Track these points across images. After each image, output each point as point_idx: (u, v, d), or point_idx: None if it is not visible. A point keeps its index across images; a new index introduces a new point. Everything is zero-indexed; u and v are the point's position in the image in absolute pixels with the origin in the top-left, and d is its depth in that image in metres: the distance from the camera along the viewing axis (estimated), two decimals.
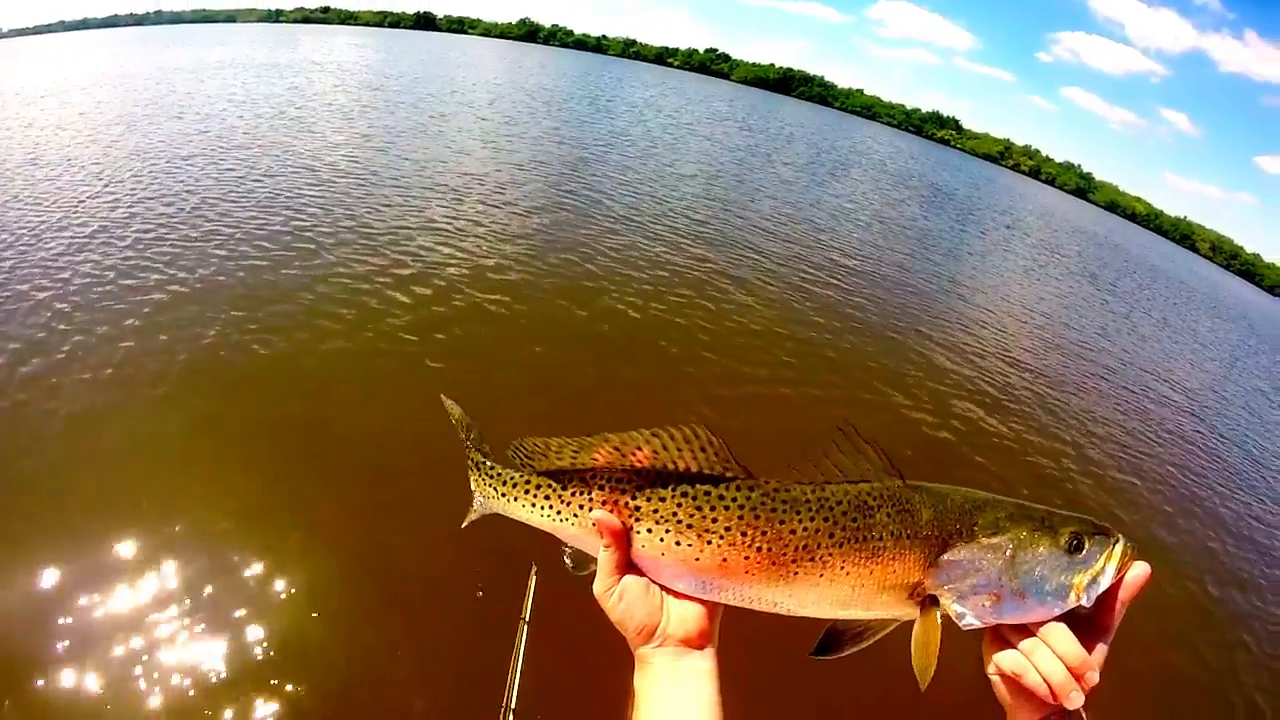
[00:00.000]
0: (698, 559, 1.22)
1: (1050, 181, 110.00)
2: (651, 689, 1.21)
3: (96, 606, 4.35)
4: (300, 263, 9.57)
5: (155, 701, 3.88)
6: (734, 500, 1.21)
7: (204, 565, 4.66)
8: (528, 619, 2.35)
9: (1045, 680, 1.09)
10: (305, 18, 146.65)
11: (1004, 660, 1.14)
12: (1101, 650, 1.14)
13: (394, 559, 4.90)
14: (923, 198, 30.88)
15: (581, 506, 1.30)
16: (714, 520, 1.21)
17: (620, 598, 1.24)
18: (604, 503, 1.28)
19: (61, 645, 4.10)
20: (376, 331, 7.99)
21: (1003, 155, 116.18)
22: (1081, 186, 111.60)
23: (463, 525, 1.55)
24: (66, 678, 3.93)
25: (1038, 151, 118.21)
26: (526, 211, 13.83)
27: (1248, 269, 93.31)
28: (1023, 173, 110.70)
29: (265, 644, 4.24)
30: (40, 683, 3.91)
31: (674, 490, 1.24)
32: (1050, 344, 13.26)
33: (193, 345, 7.29)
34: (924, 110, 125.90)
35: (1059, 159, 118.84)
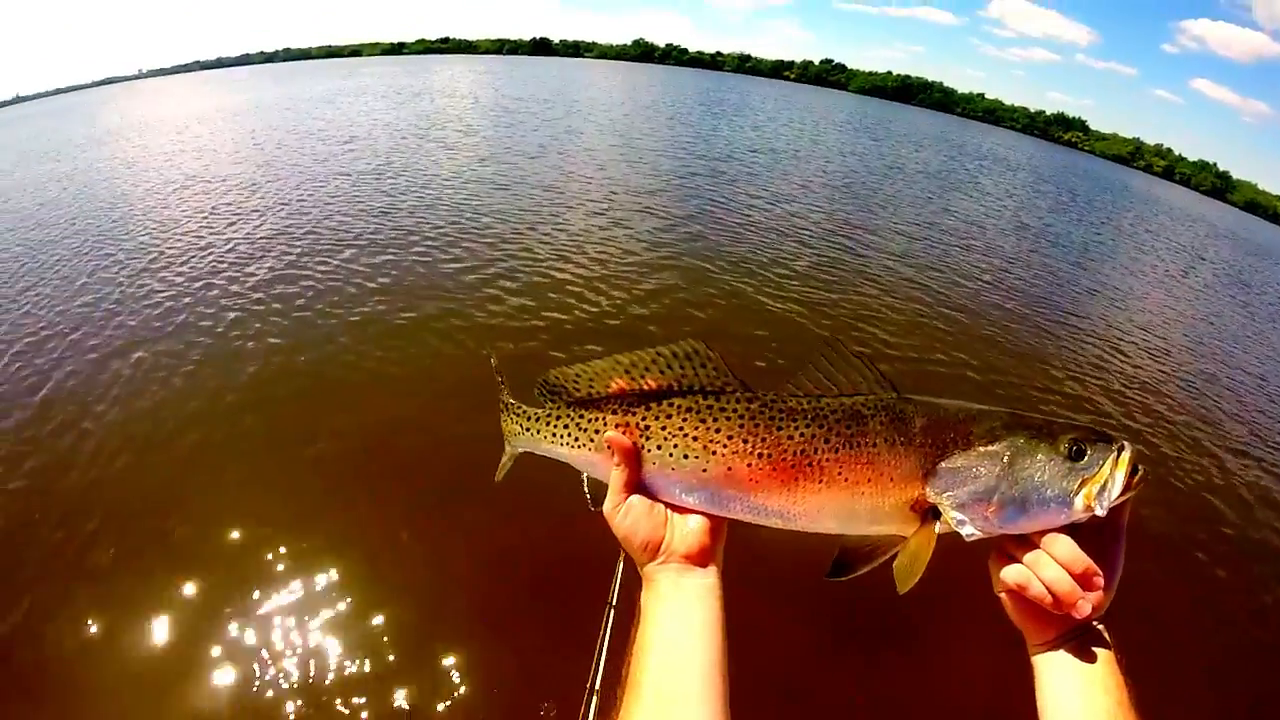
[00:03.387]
0: (704, 470, 1.28)
1: (1184, 182, 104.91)
2: (655, 605, 1.25)
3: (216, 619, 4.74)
4: (461, 268, 10.86)
5: (253, 690, 4.32)
6: (735, 411, 1.27)
7: (331, 555, 5.17)
8: (614, 603, 2.40)
9: (1049, 589, 1.10)
10: (426, 49, 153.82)
11: (1008, 574, 1.16)
12: (1111, 559, 1.14)
13: (494, 548, 5.26)
14: (1058, 204, 30.32)
15: (597, 431, 1.37)
16: (717, 431, 1.27)
17: (626, 514, 1.30)
18: (616, 425, 1.35)
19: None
20: (528, 327, 8.91)
21: (1133, 156, 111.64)
22: (1218, 186, 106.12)
23: (497, 478, 1.66)
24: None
25: (1170, 150, 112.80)
26: (668, 219, 14.79)
27: None
28: (1155, 174, 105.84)
29: (364, 631, 4.66)
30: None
31: (679, 407, 1.31)
32: (1202, 356, 12.31)
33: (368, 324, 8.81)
34: (1049, 112, 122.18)
35: (1191, 156, 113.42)
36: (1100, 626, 1.14)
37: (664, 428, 1.30)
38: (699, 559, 1.27)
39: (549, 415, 1.46)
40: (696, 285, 10.84)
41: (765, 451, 1.23)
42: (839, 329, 9.85)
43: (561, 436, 1.43)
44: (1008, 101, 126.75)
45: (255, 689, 4.30)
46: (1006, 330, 11.04)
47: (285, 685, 4.33)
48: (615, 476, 1.32)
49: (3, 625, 4.71)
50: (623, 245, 12.55)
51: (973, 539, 1.14)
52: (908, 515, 1.18)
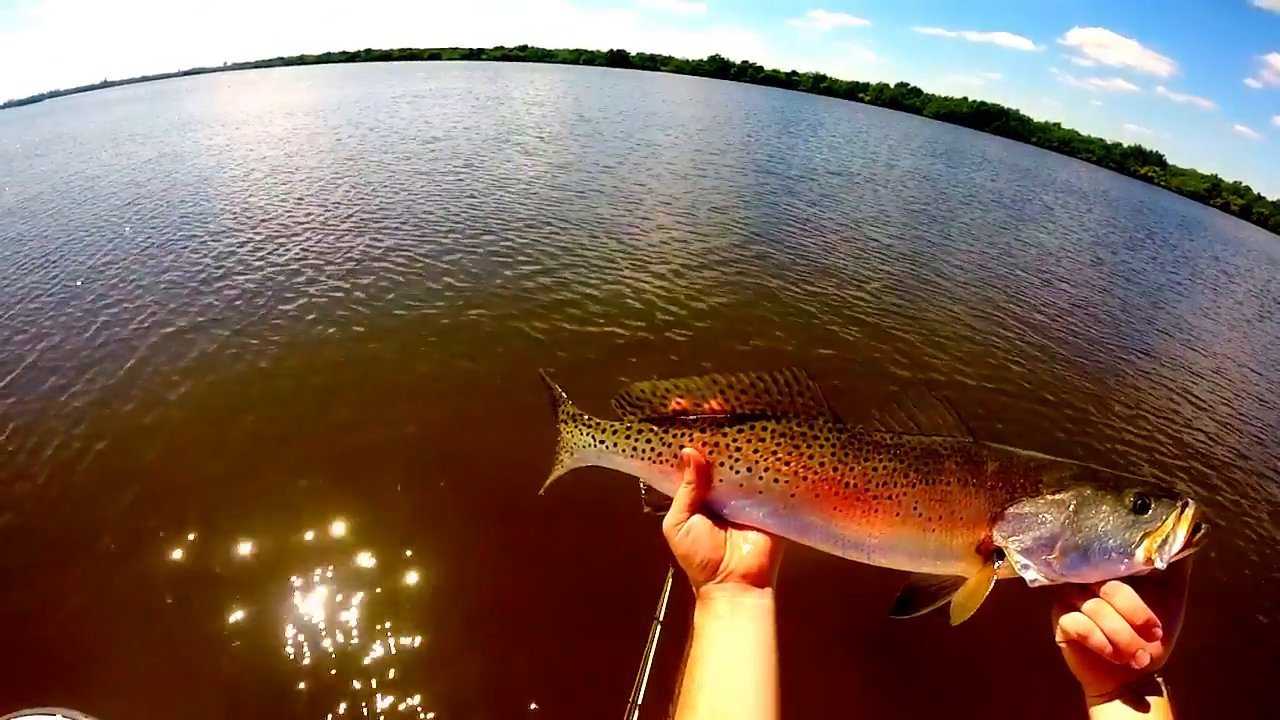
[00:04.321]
0: (793, 495, 1.30)
1: (1262, 222, 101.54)
2: (711, 623, 1.26)
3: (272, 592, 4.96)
4: (532, 271, 11.33)
5: (301, 688, 4.37)
6: (828, 440, 1.30)
7: (355, 566, 5.22)
8: (661, 619, 2.41)
9: (1110, 639, 1.10)
10: (504, 55, 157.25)
11: (1069, 622, 1.16)
12: (1172, 612, 1.15)
13: (531, 556, 5.29)
14: (1134, 240, 30.08)
15: (682, 447, 1.37)
16: (809, 458, 1.30)
17: (688, 533, 1.31)
18: (704, 444, 1.35)
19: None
20: (593, 327, 9.33)
21: (1210, 193, 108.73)
22: None
23: (541, 490, 1.61)
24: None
25: (1248, 189, 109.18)
26: (745, 235, 15.29)
27: None
28: (1232, 212, 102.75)
29: (407, 635, 4.70)
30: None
31: (773, 431, 1.33)
32: (1275, 404, 11.89)
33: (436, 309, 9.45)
34: (1125, 145, 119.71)
35: (1269, 194, 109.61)
36: (1159, 679, 1.16)
37: (756, 450, 1.33)
38: (756, 579, 1.30)
39: (629, 428, 1.45)
40: (771, 300, 11.22)
41: (852, 481, 1.27)
42: (913, 353, 10.07)
43: (643, 450, 1.43)
44: (1084, 132, 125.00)
45: (287, 681, 4.42)
46: (1080, 365, 11.16)
47: (315, 677, 4.45)
48: (683, 494, 1.34)
49: (64, 594, 4.96)
50: (700, 257, 13.04)
51: (1036, 584, 1.18)
52: (974, 556, 1.22)
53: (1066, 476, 1.21)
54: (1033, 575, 1.17)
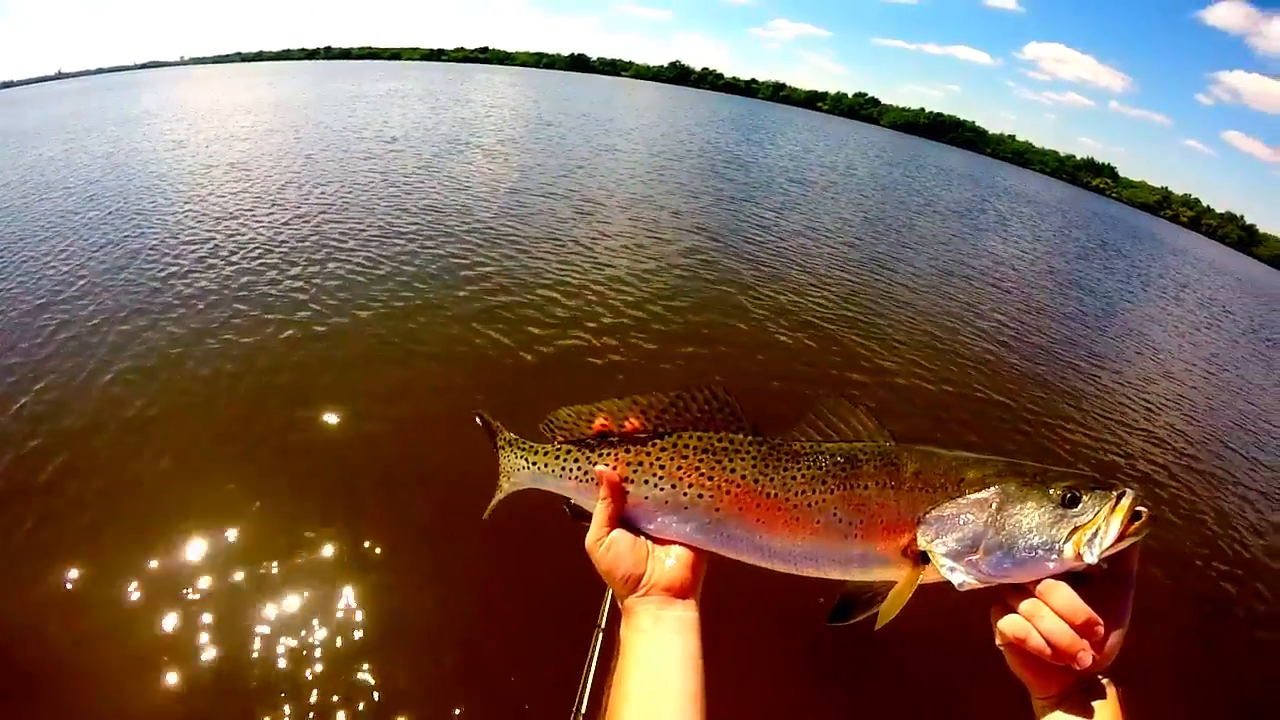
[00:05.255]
0: (718, 509, 1.31)
1: (1211, 233, 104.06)
2: (635, 636, 1.27)
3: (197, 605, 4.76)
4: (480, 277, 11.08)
5: (246, 702, 4.23)
6: (749, 453, 1.31)
7: (294, 570, 5.08)
8: (603, 626, 2.38)
9: (1048, 641, 1.06)
10: (465, 57, 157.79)
11: (1006, 625, 1.12)
12: (1118, 609, 1.10)
13: (476, 569, 5.19)
14: (1086, 250, 30.64)
15: (606, 466, 1.39)
16: (731, 471, 1.30)
17: (609, 548, 1.32)
18: (627, 462, 1.37)
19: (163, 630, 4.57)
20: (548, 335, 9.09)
21: (1160, 205, 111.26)
22: (1244, 239, 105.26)
23: (485, 515, 1.62)
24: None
25: (1198, 201, 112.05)
26: (704, 241, 15.22)
27: None
28: (1182, 224, 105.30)
29: (341, 642, 4.59)
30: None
31: (694, 447, 1.34)
32: (1222, 407, 12.30)
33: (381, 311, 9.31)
34: (1078, 157, 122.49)
35: (1218, 207, 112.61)
36: (1105, 680, 1.10)
37: (679, 466, 1.34)
38: (680, 592, 1.31)
39: (557, 450, 1.48)
40: (729, 304, 11.26)
41: (772, 492, 1.27)
42: (871, 355, 10.11)
43: (570, 470, 1.45)
44: (1039, 144, 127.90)
45: (218, 691, 4.28)
46: (1036, 368, 11.32)
47: (260, 686, 4.33)
48: (600, 510, 1.35)
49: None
50: (658, 260, 13.03)
51: (966, 588, 1.14)
52: (903, 560, 1.20)
53: (990, 474, 1.18)
54: (960, 578, 1.14)
